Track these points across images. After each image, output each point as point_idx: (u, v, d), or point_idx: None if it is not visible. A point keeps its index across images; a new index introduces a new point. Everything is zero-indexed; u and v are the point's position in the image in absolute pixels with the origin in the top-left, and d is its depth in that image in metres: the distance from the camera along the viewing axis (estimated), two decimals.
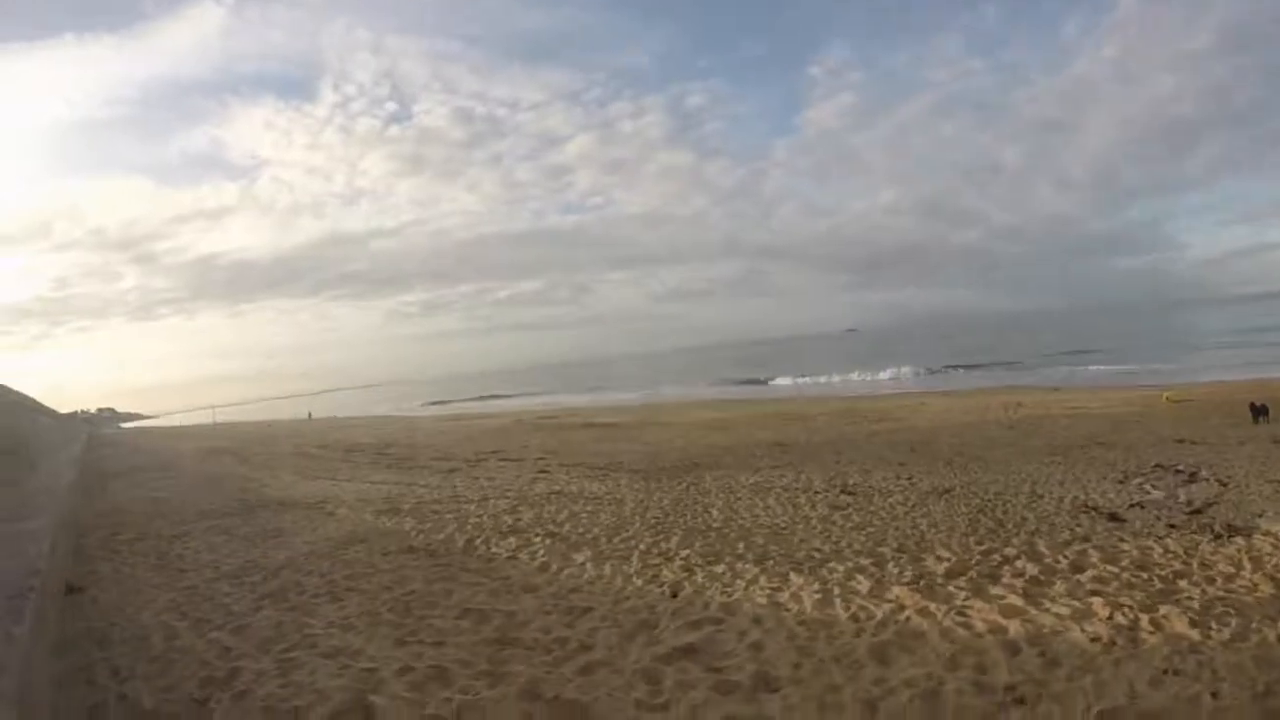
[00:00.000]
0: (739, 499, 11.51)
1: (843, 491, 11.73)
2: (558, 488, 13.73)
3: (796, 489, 12.31)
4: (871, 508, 10.20)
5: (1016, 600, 5.56)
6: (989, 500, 10.25)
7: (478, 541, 8.81)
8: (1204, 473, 11.49)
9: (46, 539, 6.50)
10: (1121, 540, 7.39)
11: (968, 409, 27.56)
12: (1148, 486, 10.74)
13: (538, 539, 8.79)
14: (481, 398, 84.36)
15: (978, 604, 5.52)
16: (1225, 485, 10.47)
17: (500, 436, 28.24)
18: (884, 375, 58.96)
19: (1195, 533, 7.57)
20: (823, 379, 60.58)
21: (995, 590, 5.88)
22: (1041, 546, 7.27)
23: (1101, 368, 48.73)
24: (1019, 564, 6.65)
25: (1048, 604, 5.44)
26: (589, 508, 11.02)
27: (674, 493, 12.56)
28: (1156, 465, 12.49)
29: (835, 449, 18.37)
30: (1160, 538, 7.44)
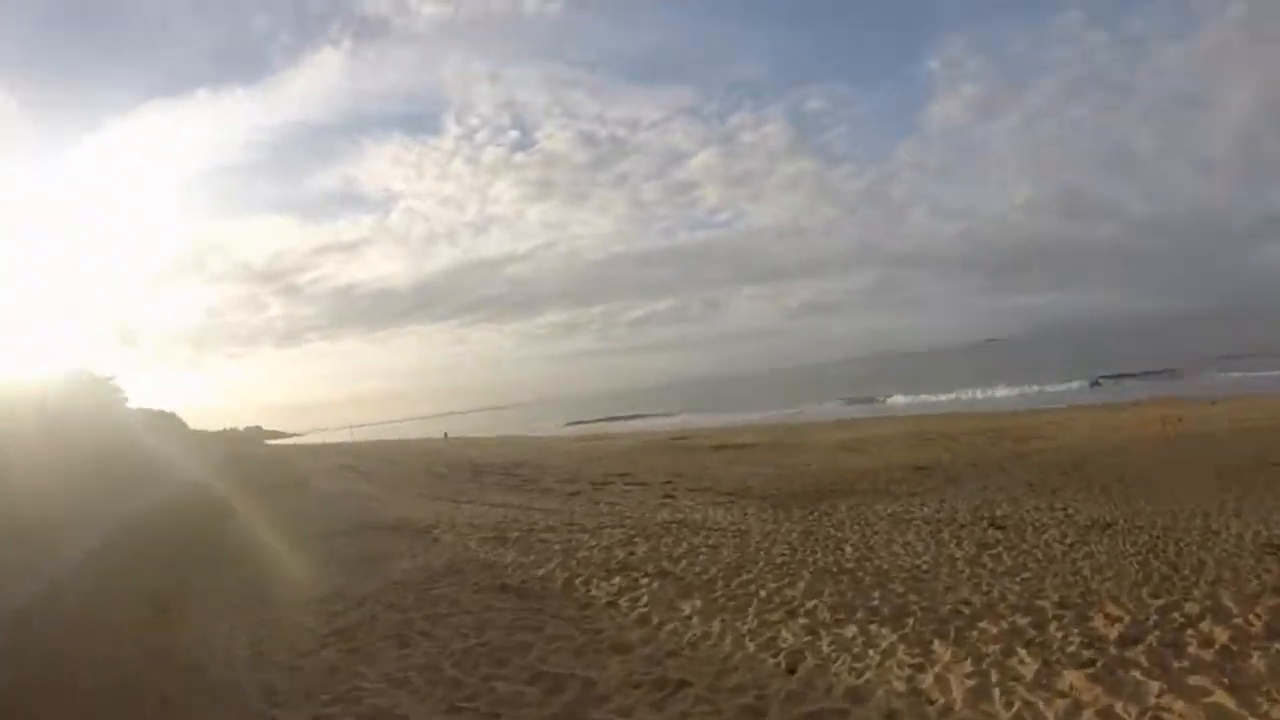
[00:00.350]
0: (875, 533, 10.33)
1: (991, 525, 10.47)
2: (680, 516, 12.80)
3: (939, 521, 11.10)
4: (1025, 546, 8.81)
5: (1224, 698, 4.10)
6: (1157, 537, 8.84)
7: (578, 581, 7.84)
8: None
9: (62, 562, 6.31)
10: None
11: (1121, 425, 25.36)
12: None
13: (646, 580, 7.72)
14: (616, 418, 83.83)
15: (1178, 705, 4.09)
16: None
17: (629, 458, 27.56)
18: (1029, 389, 53.97)
19: None
20: (964, 395, 56.25)
21: (1189, 675, 4.41)
22: (1227, 600, 5.73)
23: (1264, 374, 43.08)
24: (1204, 626, 5.16)
25: (1264, 704, 4.00)
26: (710, 541, 9.98)
27: (804, 524, 11.49)
28: None
29: (980, 473, 16.97)
30: None
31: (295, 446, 61.67)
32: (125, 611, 7.55)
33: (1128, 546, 8.44)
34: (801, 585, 7.28)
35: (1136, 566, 7.45)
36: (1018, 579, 7.18)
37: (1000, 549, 8.63)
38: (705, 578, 7.74)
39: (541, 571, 8.27)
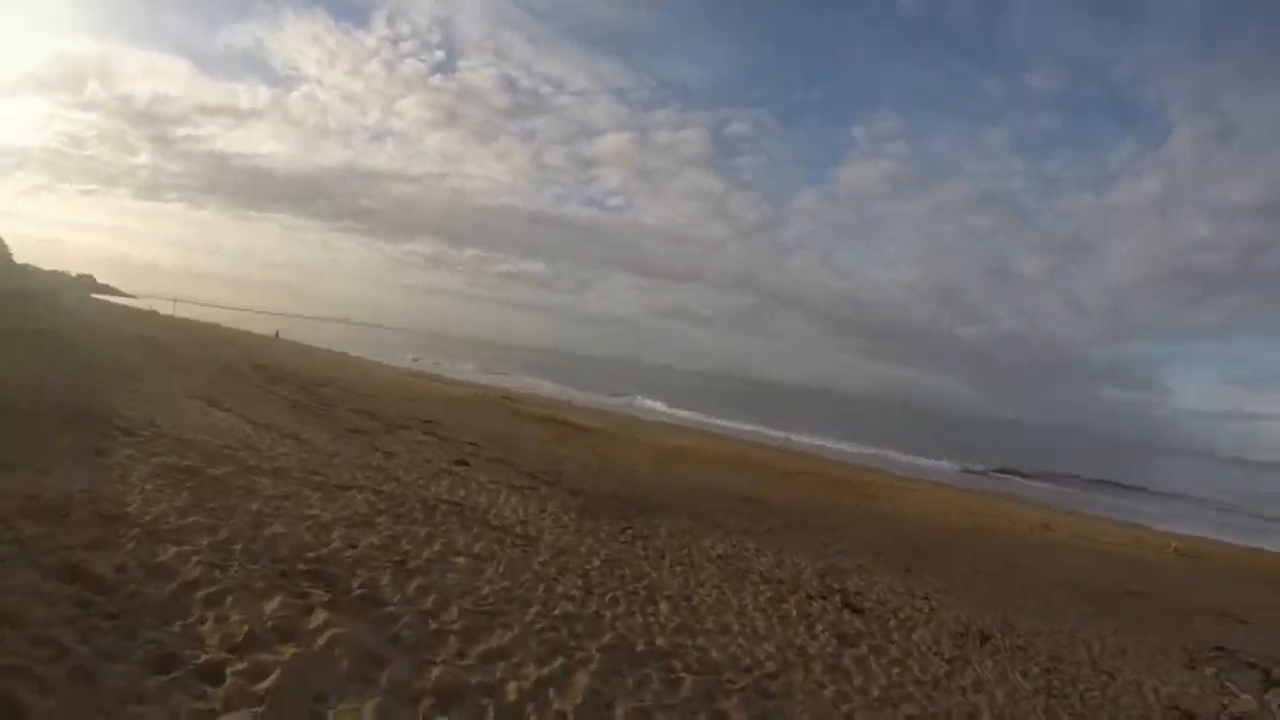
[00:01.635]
0: (702, 583, 8.12)
1: (845, 604, 8.74)
2: (461, 494, 9.93)
3: (781, 581, 9.08)
4: (894, 651, 7.24)
5: None
6: (1046, 668, 7.89)
7: (202, 595, 4.38)
8: (1277, 671, 9.39)
9: None
10: None
11: (970, 511, 24.94)
12: (1227, 683, 8.75)
13: (325, 613, 4.49)
14: (473, 367, 79.27)
15: None
16: None
17: (450, 407, 24.53)
18: (869, 450, 53.49)
19: None
20: (803, 438, 55.03)
21: None
22: None
23: (1102, 498, 46.65)
24: None
25: None
26: (478, 546, 7.15)
27: (613, 545, 9.03)
28: (1217, 648, 10.30)
29: (826, 520, 15.23)
30: None
31: (118, 306, 54.09)
32: None
33: (1017, 676, 7.38)
34: (582, 680, 4.55)
35: (1044, 713, 6.48)
36: (900, 713, 5.65)
37: (865, 648, 7.12)
38: (429, 628, 4.78)
39: (168, 555, 4.80)
